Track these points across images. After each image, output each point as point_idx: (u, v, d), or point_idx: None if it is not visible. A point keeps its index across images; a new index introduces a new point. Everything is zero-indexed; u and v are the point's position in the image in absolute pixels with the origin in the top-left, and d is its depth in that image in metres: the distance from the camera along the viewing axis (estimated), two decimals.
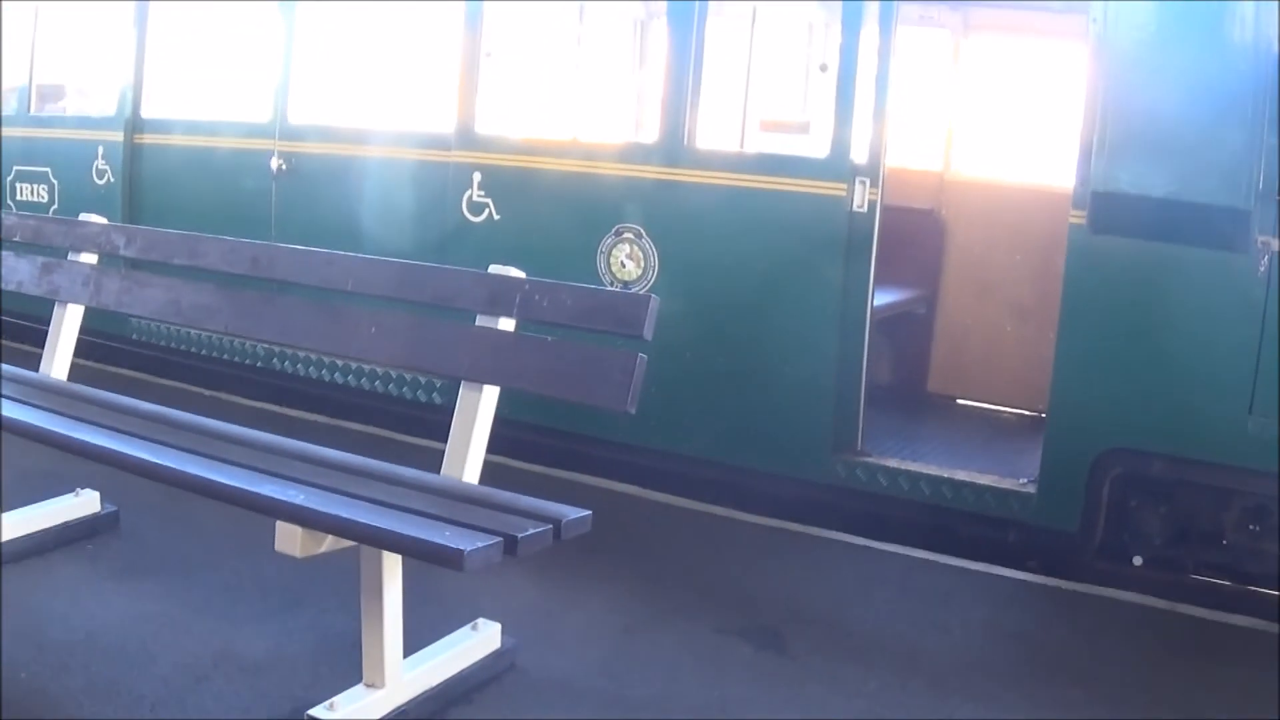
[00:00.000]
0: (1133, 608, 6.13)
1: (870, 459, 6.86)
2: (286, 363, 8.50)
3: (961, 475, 6.73)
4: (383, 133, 8.07)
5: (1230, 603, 6.33)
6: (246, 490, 4.17)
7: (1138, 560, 6.45)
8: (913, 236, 8.22)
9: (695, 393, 7.03)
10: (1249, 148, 5.86)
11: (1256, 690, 5.32)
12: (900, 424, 7.67)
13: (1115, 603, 6.18)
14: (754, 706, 4.75)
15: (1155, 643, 5.76)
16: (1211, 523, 6.36)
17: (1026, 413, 8.26)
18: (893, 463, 6.85)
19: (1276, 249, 5.82)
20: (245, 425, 5.07)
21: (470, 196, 7.55)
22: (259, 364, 8.67)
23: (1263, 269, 5.85)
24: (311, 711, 4.14)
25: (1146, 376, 6.13)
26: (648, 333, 4.50)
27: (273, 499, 4.08)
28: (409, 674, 4.42)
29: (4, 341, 8.96)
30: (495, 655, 4.81)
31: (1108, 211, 6.10)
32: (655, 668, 5.00)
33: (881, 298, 7.10)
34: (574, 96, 8.14)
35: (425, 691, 4.47)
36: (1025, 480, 6.62)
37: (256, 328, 5.60)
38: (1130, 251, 6.10)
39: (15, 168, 9.77)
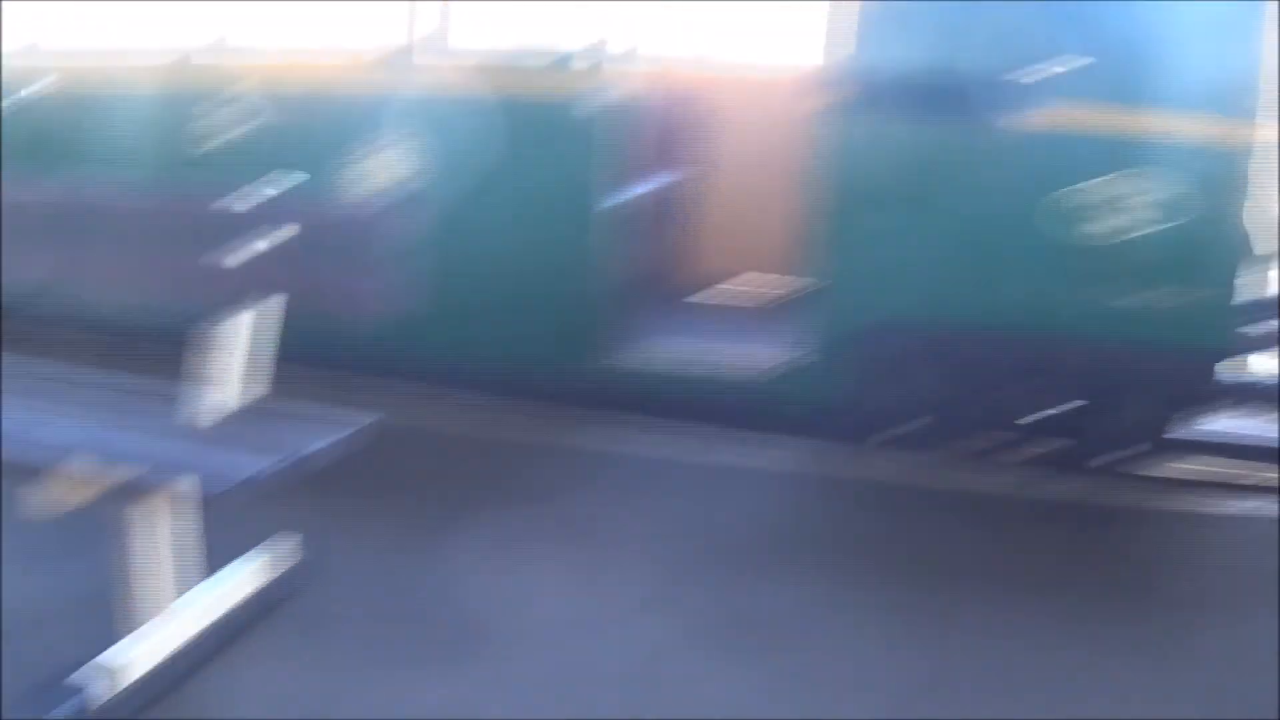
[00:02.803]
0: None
1: (644, 354, 7.04)
2: None
3: (735, 357, 6.96)
4: None
5: (990, 467, 6.77)
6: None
7: (906, 432, 6.72)
8: (671, 127, 8.32)
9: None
10: (1002, 23, 6.12)
11: (1014, 546, 5.83)
12: (670, 314, 7.90)
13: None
14: (550, 597, 4.94)
15: (924, 510, 6.21)
16: (970, 390, 6.65)
17: (794, 292, 8.40)
18: (667, 355, 7.04)
19: (1028, 120, 6.07)
20: None
21: None
22: None
23: (1015, 140, 6.12)
24: (99, 659, 4.05)
25: (909, 251, 6.37)
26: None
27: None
28: (195, 606, 4.38)
29: None
30: (283, 578, 4.80)
31: (861, 91, 6.28)
32: (450, 570, 5.09)
33: (640, 188, 7.31)
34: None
35: (214, 623, 4.44)
36: (796, 358, 6.81)
37: None
38: (886, 130, 6.30)
39: None
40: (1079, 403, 6.66)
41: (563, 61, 6.72)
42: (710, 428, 6.91)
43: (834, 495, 6.28)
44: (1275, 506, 6.53)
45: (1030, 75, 6.06)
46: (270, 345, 4.60)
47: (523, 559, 5.29)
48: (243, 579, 4.66)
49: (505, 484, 6.13)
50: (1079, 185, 6.08)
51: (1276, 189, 6.33)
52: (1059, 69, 6.04)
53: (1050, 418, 6.78)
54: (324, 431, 4.05)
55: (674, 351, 7.02)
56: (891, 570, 5.43)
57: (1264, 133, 6.01)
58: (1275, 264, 6.88)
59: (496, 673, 4.39)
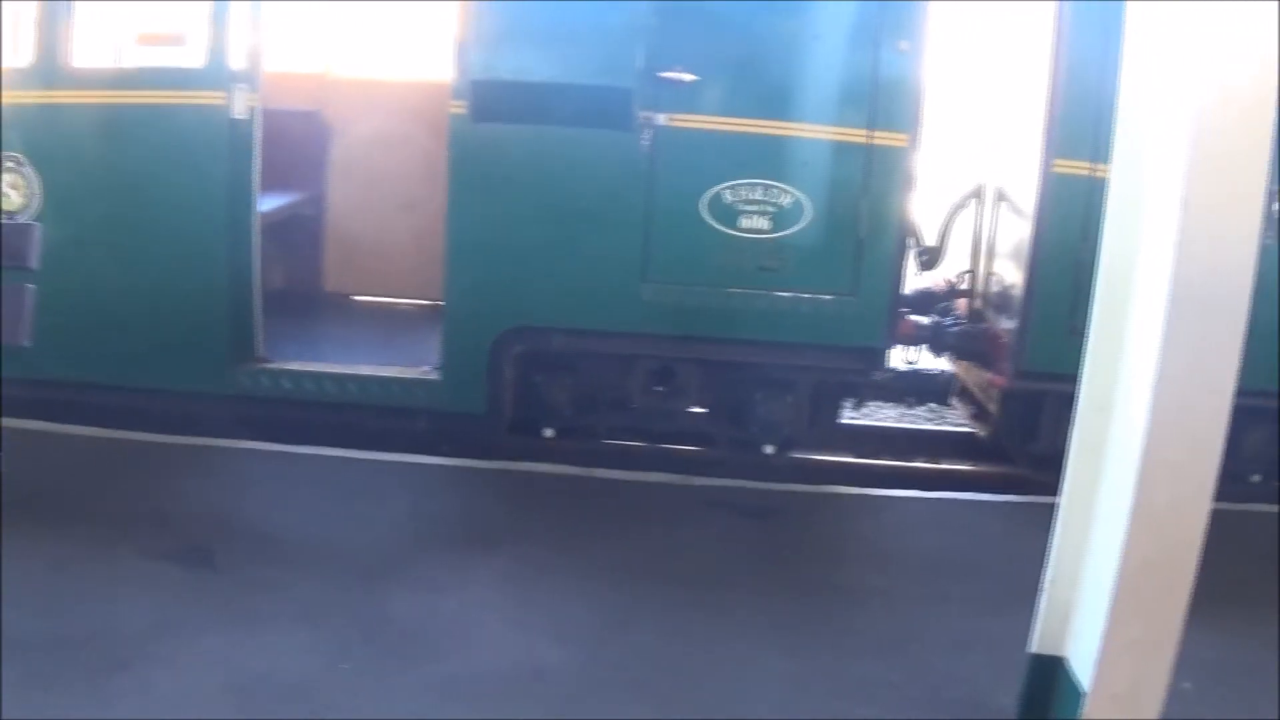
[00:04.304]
0: (550, 478, 6.63)
1: (272, 365, 6.93)
2: None
3: (365, 370, 6.93)
4: None
5: (644, 462, 7.00)
6: None
7: (549, 433, 6.90)
8: (297, 139, 8.23)
9: (93, 318, 6.75)
10: (628, 29, 6.33)
11: (673, 539, 5.98)
12: (299, 327, 7.74)
13: (533, 475, 6.66)
14: (192, 624, 4.80)
15: (575, 506, 6.28)
16: (617, 389, 6.92)
17: (425, 303, 8.50)
18: (295, 366, 6.95)
19: (658, 124, 6.33)
20: None
21: None
22: None
23: (645, 143, 6.34)
24: None
25: (539, 255, 6.54)
26: (34, 261, 4.40)
27: None
28: None
29: None
30: None
31: (489, 99, 6.40)
32: (89, 602, 4.92)
33: (269, 203, 7.14)
34: None
35: None
36: (428, 368, 6.90)
37: None
38: (515, 136, 6.45)
39: None
40: (734, 399, 7.03)
41: (191, 76, 6.61)
42: (347, 440, 6.92)
43: (477, 495, 6.41)
44: (929, 494, 7.02)
45: (664, 81, 6.36)
46: None
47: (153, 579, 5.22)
48: None
49: (135, 507, 5.98)
50: (723, 188, 6.43)
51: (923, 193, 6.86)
52: (692, 76, 6.37)
53: (705, 413, 7.16)
54: None
55: (307, 364, 6.99)
56: (543, 566, 5.56)
57: (912, 140, 6.50)
58: (928, 264, 7.44)
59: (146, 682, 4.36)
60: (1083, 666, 3.91)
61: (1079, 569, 4.01)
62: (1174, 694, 3.85)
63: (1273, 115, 3.50)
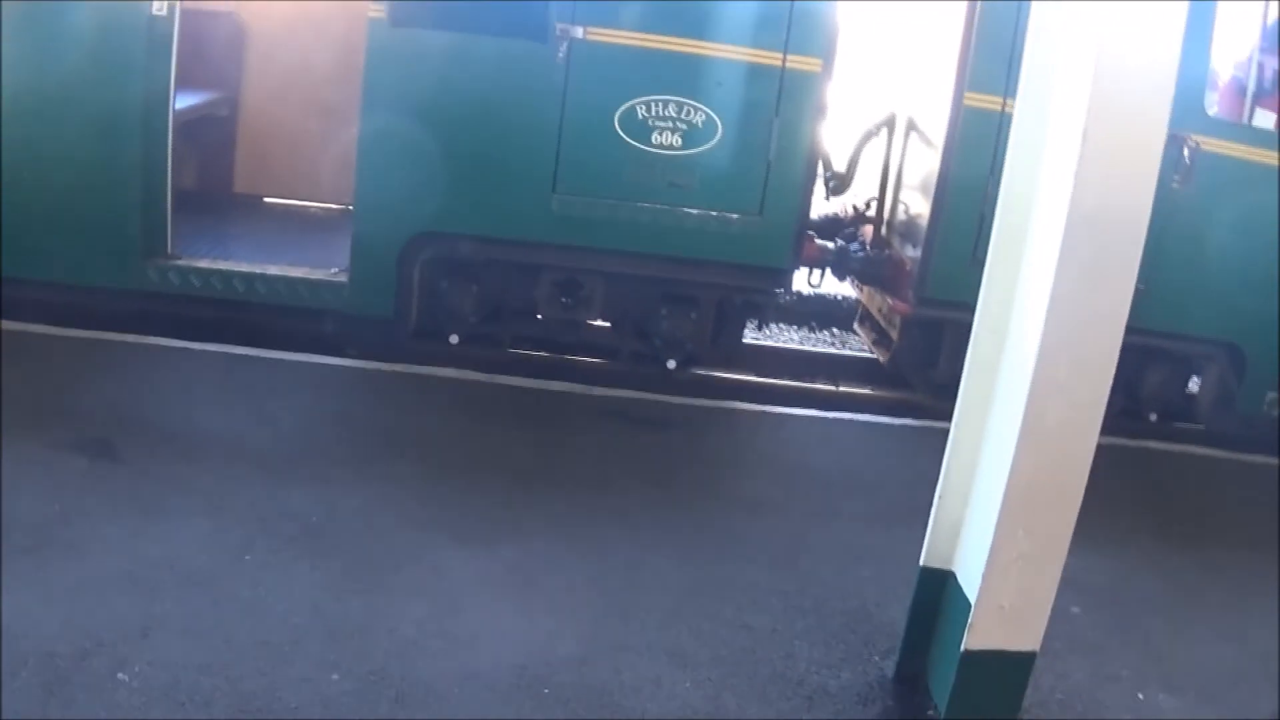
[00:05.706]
0: (453, 383, 6.70)
1: (181, 262, 6.87)
2: None
3: (273, 270, 6.92)
4: None
5: (546, 371, 7.08)
6: None
7: (454, 339, 6.95)
8: (212, 38, 8.13)
9: (6, 210, 6.60)
10: None
11: (577, 442, 6.11)
12: (209, 225, 7.66)
13: (436, 380, 6.72)
14: (93, 515, 4.82)
15: (477, 412, 6.36)
16: (523, 299, 6.99)
17: (335, 206, 8.50)
18: (204, 264, 6.91)
19: (575, 36, 6.37)
20: None
21: None
22: None
23: (561, 55, 6.37)
24: None
25: (451, 163, 6.56)
26: None
27: None
28: None
29: None
30: None
31: (408, 5, 6.39)
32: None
33: (183, 101, 7.05)
34: None
35: None
36: (336, 270, 6.91)
37: None
38: (432, 43, 6.44)
39: None
40: (638, 313, 7.14)
41: None
42: (254, 339, 6.93)
43: (380, 397, 6.47)
44: (826, 413, 7.17)
45: None
46: None
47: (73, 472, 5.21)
48: None
49: (43, 399, 5.95)
50: (637, 103, 6.49)
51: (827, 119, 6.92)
52: None
53: (609, 326, 7.27)
54: None
55: (216, 262, 6.95)
56: (443, 466, 5.65)
57: (826, 66, 6.58)
58: (837, 189, 7.53)
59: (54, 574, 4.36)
60: (970, 580, 4.04)
61: (969, 486, 4.13)
62: (1063, 617, 3.99)
63: (1177, 54, 3.61)
